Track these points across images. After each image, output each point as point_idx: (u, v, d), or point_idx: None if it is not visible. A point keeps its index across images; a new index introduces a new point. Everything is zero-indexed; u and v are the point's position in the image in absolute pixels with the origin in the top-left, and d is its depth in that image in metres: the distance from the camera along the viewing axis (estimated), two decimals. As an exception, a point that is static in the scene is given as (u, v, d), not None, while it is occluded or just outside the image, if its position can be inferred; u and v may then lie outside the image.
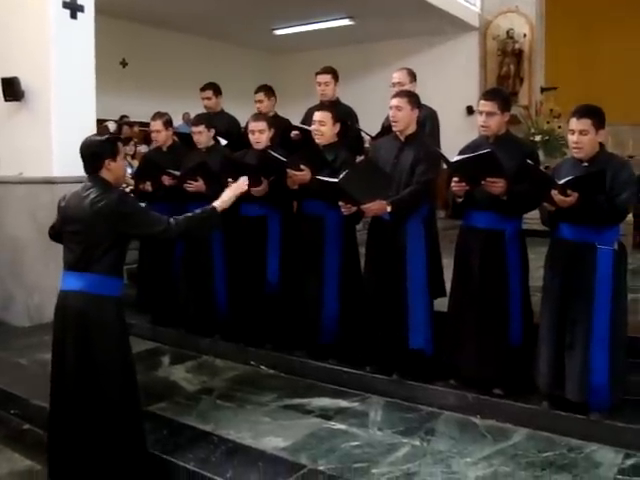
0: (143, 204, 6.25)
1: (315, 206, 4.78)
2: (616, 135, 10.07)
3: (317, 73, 5.72)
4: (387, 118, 4.93)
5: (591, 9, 13.87)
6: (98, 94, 6.52)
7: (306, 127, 5.30)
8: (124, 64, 12.89)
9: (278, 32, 13.75)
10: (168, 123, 5.93)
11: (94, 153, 3.38)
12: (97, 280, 3.31)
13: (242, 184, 3.72)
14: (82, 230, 3.30)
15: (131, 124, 11.46)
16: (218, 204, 3.59)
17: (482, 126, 4.24)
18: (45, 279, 6.00)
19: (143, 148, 9.71)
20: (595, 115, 3.79)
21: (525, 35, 13.07)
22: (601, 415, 3.79)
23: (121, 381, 3.37)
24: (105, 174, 3.38)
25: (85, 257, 3.31)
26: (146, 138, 10.39)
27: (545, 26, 13.43)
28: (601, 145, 3.88)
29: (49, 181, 6.06)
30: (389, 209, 4.30)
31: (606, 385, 3.73)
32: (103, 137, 3.54)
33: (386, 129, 5.02)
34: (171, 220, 3.40)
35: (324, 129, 4.83)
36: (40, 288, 6.15)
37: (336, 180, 4.18)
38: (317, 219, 4.81)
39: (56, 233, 3.61)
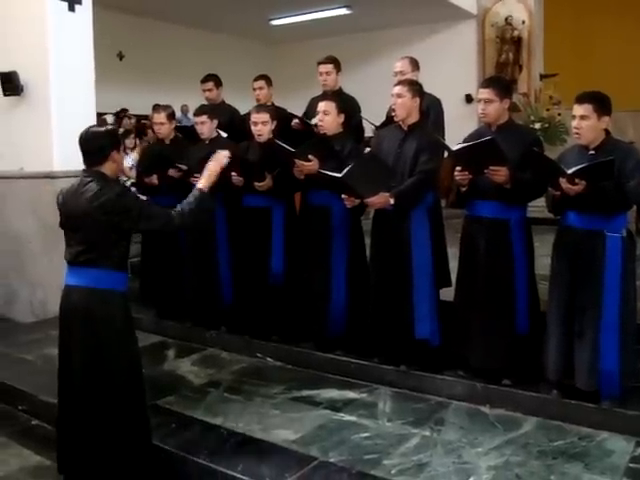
0: (145, 197, 6.26)
1: (321, 197, 4.74)
2: (616, 121, 10.00)
3: (319, 62, 5.67)
4: (391, 107, 4.89)
5: (590, -5, 13.84)
6: (96, 87, 6.46)
7: (308, 121, 5.27)
8: (121, 57, 12.83)
9: (275, 22, 13.69)
10: (171, 116, 5.89)
11: (100, 145, 3.29)
12: (102, 275, 3.27)
13: (221, 157, 3.53)
14: (82, 226, 3.24)
15: (130, 117, 11.40)
16: (203, 184, 3.45)
17: (481, 113, 4.22)
18: (48, 274, 5.97)
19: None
20: (597, 101, 3.75)
21: (524, 22, 12.97)
22: (612, 403, 3.78)
23: (127, 375, 3.36)
24: (107, 167, 3.31)
25: (88, 252, 3.25)
26: (138, 130, 10.34)
27: (544, 13, 13.36)
28: (607, 132, 3.84)
29: (50, 175, 6.03)
30: (392, 201, 4.27)
31: (616, 372, 3.72)
32: (105, 128, 3.48)
33: (391, 119, 4.99)
34: (172, 212, 3.34)
35: (328, 119, 4.78)
36: (44, 283, 6.13)
37: (339, 175, 4.15)
38: (324, 210, 4.78)
39: None
